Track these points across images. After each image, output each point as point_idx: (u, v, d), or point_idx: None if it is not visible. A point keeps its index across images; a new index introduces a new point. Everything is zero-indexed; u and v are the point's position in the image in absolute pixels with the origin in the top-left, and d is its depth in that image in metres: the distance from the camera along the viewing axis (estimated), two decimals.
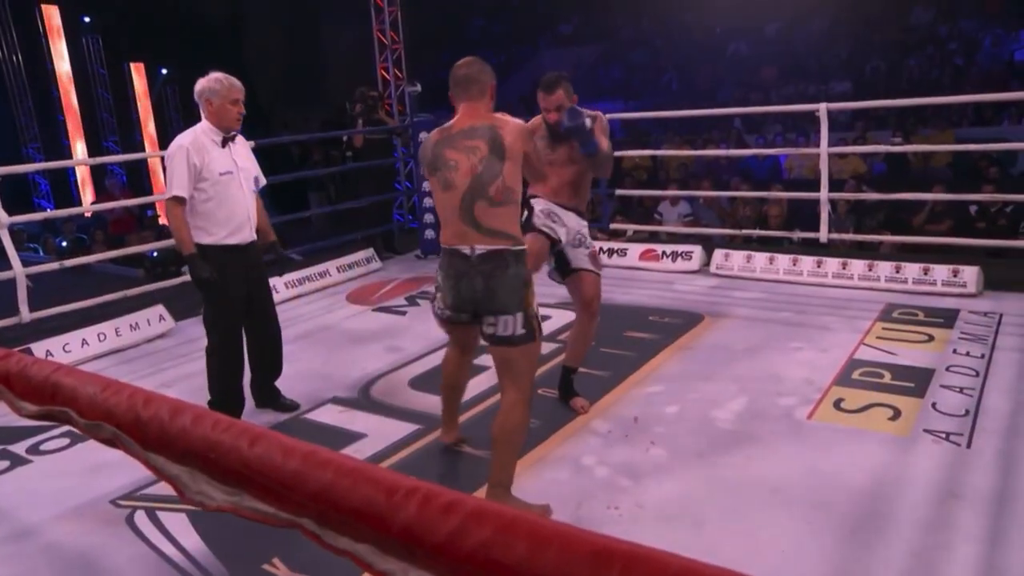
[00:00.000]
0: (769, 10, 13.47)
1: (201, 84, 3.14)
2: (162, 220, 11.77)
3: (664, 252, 5.46)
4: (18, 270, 4.15)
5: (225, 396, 3.24)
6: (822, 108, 4.80)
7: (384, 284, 5.56)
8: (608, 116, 6.15)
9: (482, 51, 18.74)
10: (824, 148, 4.88)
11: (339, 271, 5.70)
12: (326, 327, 4.64)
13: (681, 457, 2.79)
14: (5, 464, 3.08)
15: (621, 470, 2.72)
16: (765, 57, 13.33)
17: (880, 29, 12.73)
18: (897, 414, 2.99)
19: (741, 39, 14.07)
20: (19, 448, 3.19)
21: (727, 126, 10.33)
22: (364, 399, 3.54)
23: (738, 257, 5.16)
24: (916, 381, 3.28)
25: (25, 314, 4.16)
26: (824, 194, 4.88)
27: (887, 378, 3.34)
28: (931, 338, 3.79)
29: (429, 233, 6.34)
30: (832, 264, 4.84)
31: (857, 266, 4.76)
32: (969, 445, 2.71)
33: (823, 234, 4.88)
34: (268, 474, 0.48)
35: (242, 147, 3.32)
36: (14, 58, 13.79)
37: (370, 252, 6.04)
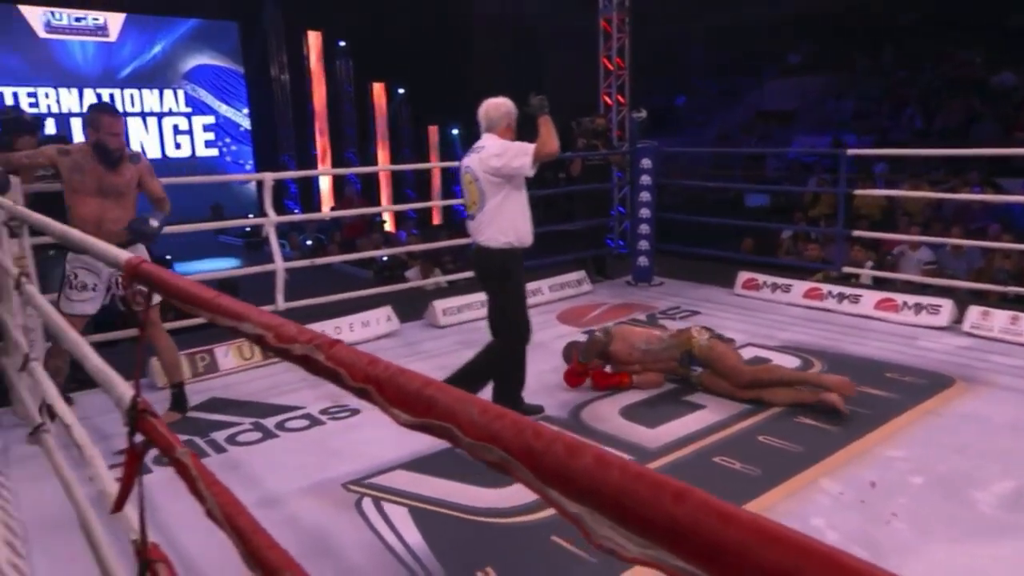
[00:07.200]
0: None
1: (507, 106, 3.41)
2: (388, 227, 12.79)
3: (906, 303, 4.90)
4: (279, 265, 4.72)
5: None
6: None
7: (594, 307, 5.55)
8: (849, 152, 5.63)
9: (702, 81, 18.42)
10: None
11: (551, 290, 5.80)
12: (538, 344, 4.69)
13: (930, 537, 2.46)
14: (258, 436, 3.45)
15: (856, 539, 2.45)
16: None
17: None
18: None
19: (1008, 68, 12.46)
20: (270, 423, 3.56)
21: (985, 168, 9.17)
22: (574, 421, 3.54)
23: (1001, 317, 4.49)
24: None
25: (280, 303, 4.68)
26: None
27: None
28: None
29: (642, 260, 6.24)
30: None
31: None
32: None
33: None
34: (698, 540, 0.43)
35: None
36: (282, 77, 15.80)
37: (582, 274, 6.07)
